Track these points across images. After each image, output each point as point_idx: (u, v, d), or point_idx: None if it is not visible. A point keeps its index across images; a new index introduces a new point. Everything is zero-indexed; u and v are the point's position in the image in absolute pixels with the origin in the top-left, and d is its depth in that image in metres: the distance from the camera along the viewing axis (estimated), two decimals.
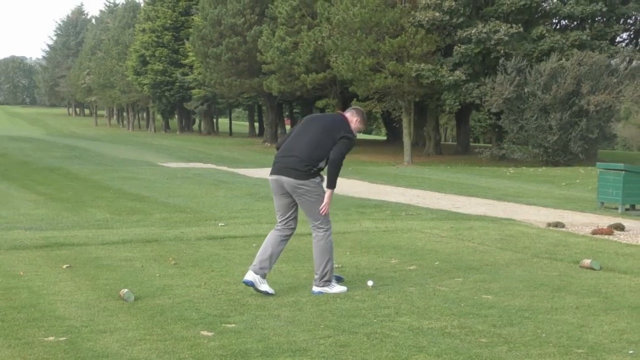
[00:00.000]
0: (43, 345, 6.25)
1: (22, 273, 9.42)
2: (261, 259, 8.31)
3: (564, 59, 43.20)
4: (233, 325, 6.95)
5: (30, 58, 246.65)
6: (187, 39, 77.43)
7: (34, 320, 7.08)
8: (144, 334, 6.63)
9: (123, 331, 6.71)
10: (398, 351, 6.17)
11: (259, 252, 8.44)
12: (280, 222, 8.52)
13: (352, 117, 8.50)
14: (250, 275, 8.20)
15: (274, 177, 8.39)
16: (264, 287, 8.22)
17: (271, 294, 8.17)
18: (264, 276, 8.27)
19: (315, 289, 8.36)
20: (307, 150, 8.18)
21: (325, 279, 8.36)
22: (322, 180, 8.34)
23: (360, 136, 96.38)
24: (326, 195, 8.31)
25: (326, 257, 8.36)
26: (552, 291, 8.63)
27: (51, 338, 6.47)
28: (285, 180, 8.24)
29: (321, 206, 8.30)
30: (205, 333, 6.67)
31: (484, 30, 44.09)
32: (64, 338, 6.47)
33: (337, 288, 8.42)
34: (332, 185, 8.29)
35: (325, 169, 8.29)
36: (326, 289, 8.34)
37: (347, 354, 6.09)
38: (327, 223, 8.40)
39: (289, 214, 8.47)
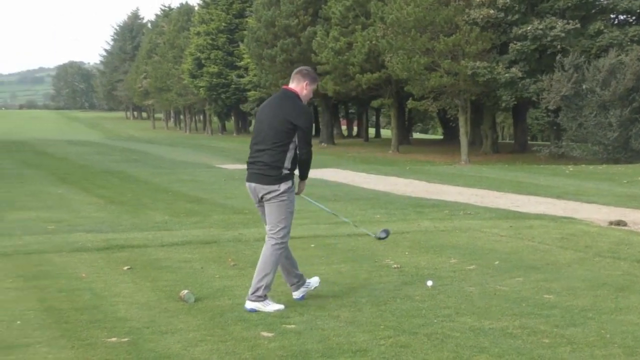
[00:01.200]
0: (105, 346, 6.32)
1: (84, 275, 9.53)
2: (293, 276, 8.11)
3: (623, 55, 42.60)
4: (293, 325, 6.96)
5: (88, 63, 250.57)
6: (242, 41, 77.88)
7: (97, 321, 7.15)
8: (205, 334, 6.66)
9: (184, 332, 6.75)
10: (459, 352, 6.12)
11: (283, 275, 8.15)
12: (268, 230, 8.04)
13: (300, 85, 7.94)
14: (249, 305, 7.67)
15: (247, 184, 8.01)
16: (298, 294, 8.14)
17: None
18: (299, 286, 8.15)
19: (248, 304, 7.67)
20: (269, 153, 7.73)
21: (258, 293, 7.64)
22: (293, 184, 7.94)
23: (416, 136, 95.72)
24: (302, 186, 8.12)
25: (266, 270, 7.72)
26: (615, 291, 8.50)
27: (113, 339, 6.53)
28: (255, 186, 7.86)
29: (298, 191, 8.09)
30: (265, 334, 6.68)
31: (540, 26, 43.66)
32: (126, 339, 6.53)
33: (272, 306, 7.65)
34: (304, 177, 8.05)
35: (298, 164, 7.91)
36: (259, 306, 7.62)
37: (408, 354, 6.06)
38: (285, 237, 7.83)
39: None
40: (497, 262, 10.35)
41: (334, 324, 7.00)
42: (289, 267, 8.09)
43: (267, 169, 7.72)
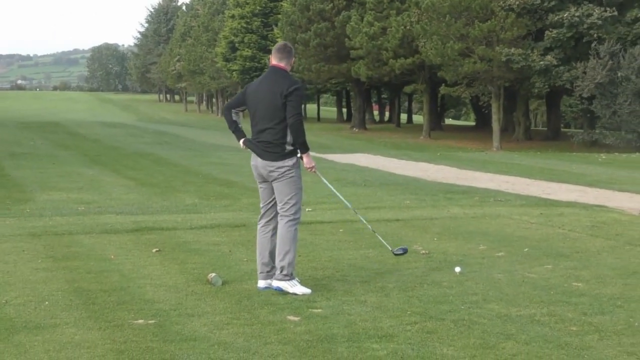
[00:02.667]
0: (132, 328, 6.34)
1: (113, 257, 9.58)
2: (263, 263, 7.93)
3: None
4: (319, 310, 6.95)
5: (123, 45, 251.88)
6: (276, 25, 77.80)
7: (124, 303, 7.18)
8: (231, 318, 6.67)
9: (211, 315, 6.76)
10: (486, 338, 6.10)
11: (258, 261, 7.97)
12: (262, 208, 8.04)
13: (289, 62, 7.93)
14: (275, 283, 7.77)
15: (252, 163, 7.99)
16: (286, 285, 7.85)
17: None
18: (268, 277, 7.92)
19: (274, 282, 7.75)
20: (270, 132, 7.72)
21: (284, 272, 7.70)
22: (298, 160, 7.84)
23: (448, 122, 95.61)
24: (305, 160, 7.85)
25: (286, 248, 7.73)
26: None
27: (140, 321, 6.55)
28: (260, 163, 7.82)
29: (309, 168, 7.90)
30: (291, 318, 6.68)
31: (577, 14, 43.27)
32: (152, 321, 6.55)
33: (298, 288, 7.68)
34: (304, 149, 7.82)
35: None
36: (285, 285, 7.68)
37: (434, 340, 6.04)
38: (297, 212, 7.82)
39: (271, 199, 7.97)
40: (526, 250, 10.29)
41: (360, 309, 6.99)
42: (272, 250, 7.93)
43: (271, 147, 7.73)
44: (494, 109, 49.25)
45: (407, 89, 62.65)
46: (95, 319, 6.63)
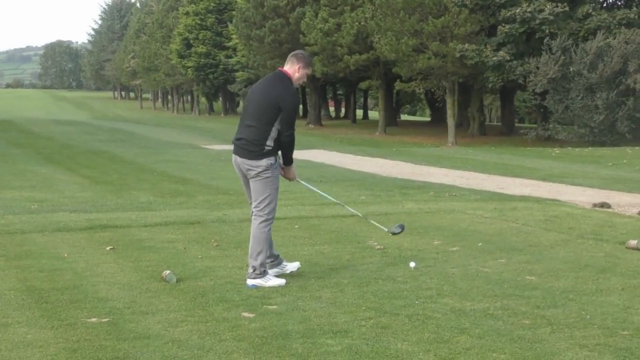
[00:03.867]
0: (86, 327, 6.29)
1: (66, 255, 9.50)
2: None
3: (610, 38, 42.57)
4: (274, 306, 6.96)
5: (76, 42, 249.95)
6: (231, 22, 77.49)
7: (77, 301, 7.13)
8: (186, 315, 6.66)
9: (165, 312, 6.74)
10: (440, 333, 6.13)
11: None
12: (249, 203, 8.16)
13: (293, 67, 8.04)
14: (250, 282, 7.84)
15: (233, 157, 8.09)
16: (272, 282, 7.91)
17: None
18: (274, 266, 8.12)
19: (249, 281, 7.82)
20: (253, 130, 7.81)
21: (257, 272, 7.82)
22: (277, 160, 7.94)
23: (404, 117, 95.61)
24: (289, 171, 8.12)
25: (258, 248, 7.86)
26: (597, 272, 8.52)
27: (94, 319, 6.51)
28: (240, 160, 7.92)
29: (291, 177, 8.18)
30: (246, 314, 6.68)
31: (529, 9, 43.53)
32: (106, 319, 6.51)
33: (272, 281, 7.83)
34: (289, 163, 8.06)
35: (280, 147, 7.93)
36: (260, 282, 7.78)
37: (389, 335, 6.06)
38: (270, 213, 7.91)
39: None
40: (480, 244, 10.36)
41: (315, 305, 7.00)
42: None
43: (249, 144, 7.80)
44: (448, 105, 49.46)
45: (363, 85, 62.86)
46: (48, 317, 6.58)
